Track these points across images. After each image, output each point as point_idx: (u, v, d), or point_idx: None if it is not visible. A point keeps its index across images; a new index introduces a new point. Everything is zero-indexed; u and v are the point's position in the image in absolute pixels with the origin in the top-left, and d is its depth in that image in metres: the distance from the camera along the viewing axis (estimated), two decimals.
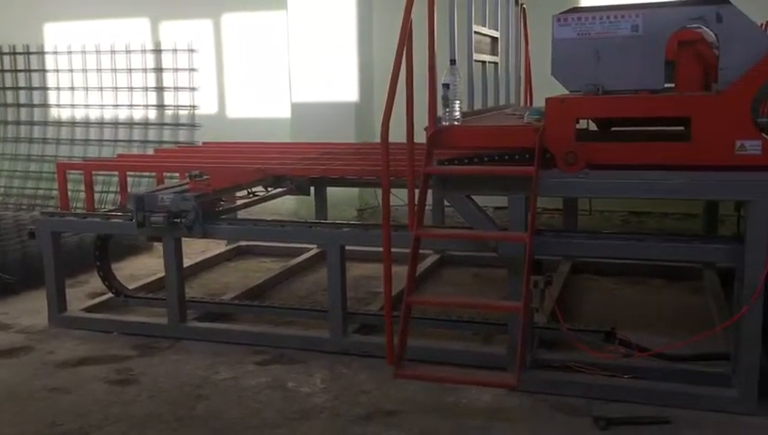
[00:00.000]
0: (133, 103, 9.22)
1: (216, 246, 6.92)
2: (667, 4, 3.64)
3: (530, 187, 3.64)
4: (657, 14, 3.56)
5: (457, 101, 3.99)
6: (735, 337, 3.61)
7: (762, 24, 3.99)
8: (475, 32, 4.59)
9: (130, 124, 9.27)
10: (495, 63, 5.23)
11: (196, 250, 6.68)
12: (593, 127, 4.48)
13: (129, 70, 9.20)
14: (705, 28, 3.53)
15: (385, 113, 3.70)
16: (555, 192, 3.79)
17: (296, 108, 8.59)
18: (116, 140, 9.19)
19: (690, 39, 3.62)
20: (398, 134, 3.85)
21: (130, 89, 9.24)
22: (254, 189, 5.43)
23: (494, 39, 5.18)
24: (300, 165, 5.27)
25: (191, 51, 8.74)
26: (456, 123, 3.96)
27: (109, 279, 5.33)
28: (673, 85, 3.72)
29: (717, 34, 3.45)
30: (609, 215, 8.18)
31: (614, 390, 3.74)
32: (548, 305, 4.17)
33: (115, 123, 9.33)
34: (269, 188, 5.49)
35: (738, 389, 3.54)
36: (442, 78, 3.95)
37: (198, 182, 4.73)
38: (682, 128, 3.70)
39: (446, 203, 5.33)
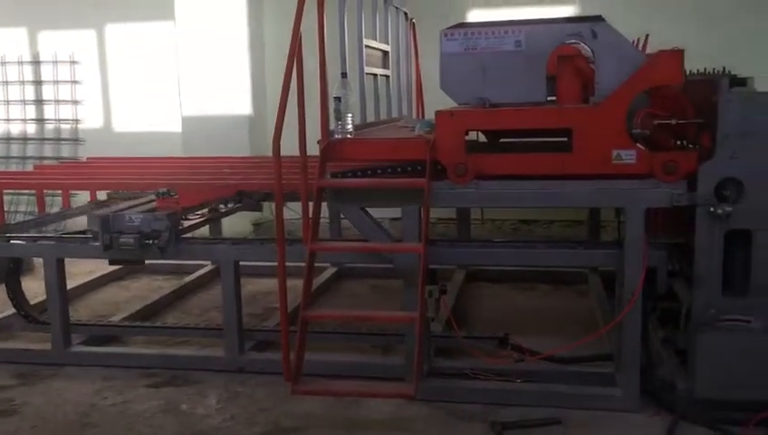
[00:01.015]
0: (10, 118, 8.71)
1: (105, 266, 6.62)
2: (547, 21, 3.81)
3: (422, 198, 3.69)
4: (538, 30, 3.71)
5: (349, 114, 4.00)
6: (618, 338, 3.79)
7: (635, 41, 4.23)
8: (366, 45, 4.63)
9: (7, 139, 8.74)
10: (387, 76, 5.30)
11: (83, 270, 6.37)
12: (484, 138, 4.62)
13: (5, 82, 8.68)
14: (583, 44, 3.70)
15: (276, 127, 3.67)
16: (447, 203, 3.87)
17: (187, 121, 8.37)
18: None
19: (569, 54, 3.78)
20: (292, 147, 3.82)
21: (7, 102, 8.72)
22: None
23: (385, 52, 5.25)
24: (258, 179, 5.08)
25: (73, 62, 8.36)
26: (348, 136, 3.97)
27: (21, 304, 4.93)
28: (555, 98, 3.88)
29: (593, 50, 3.63)
30: (500, 223, 8.44)
31: (509, 394, 3.84)
32: (443, 314, 4.25)
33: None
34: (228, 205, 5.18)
35: (622, 388, 3.72)
36: (334, 91, 3.96)
37: (167, 200, 4.51)
38: (566, 139, 3.87)
39: (342, 215, 5.32)
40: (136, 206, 4.63)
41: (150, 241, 4.22)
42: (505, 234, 8.12)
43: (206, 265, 6.48)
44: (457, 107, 3.91)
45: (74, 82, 8.36)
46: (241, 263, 4.36)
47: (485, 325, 4.92)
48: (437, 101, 4.05)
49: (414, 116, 6.13)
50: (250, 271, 5.57)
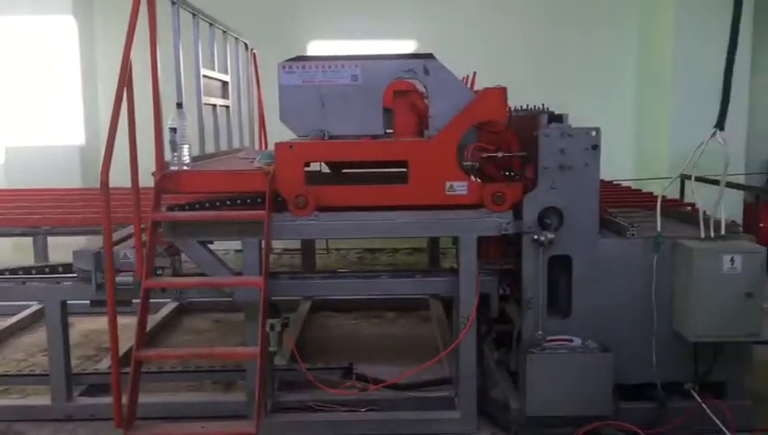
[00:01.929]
0: None
1: None
2: (382, 57, 3.92)
3: (262, 231, 3.65)
4: (373, 65, 3.82)
5: (186, 145, 3.90)
6: (455, 362, 3.92)
7: (464, 78, 4.46)
8: (204, 75, 4.54)
9: None
10: (227, 107, 5.22)
11: None
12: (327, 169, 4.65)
13: None
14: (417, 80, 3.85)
15: (105, 156, 3.48)
16: (288, 235, 3.84)
17: (11, 152, 7.79)
18: None
19: (404, 89, 3.92)
20: (127, 179, 3.65)
21: None
22: None
23: (225, 83, 5.18)
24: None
25: None
26: (185, 168, 3.86)
27: None
28: (392, 131, 4.00)
29: (426, 86, 3.78)
30: (346, 252, 8.51)
31: (352, 424, 3.86)
32: (287, 347, 4.20)
33: None
34: None
35: (460, 410, 3.84)
36: (169, 121, 3.84)
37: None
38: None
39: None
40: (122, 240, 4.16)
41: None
42: (351, 263, 8.20)
43: (33, 305, 5.99)
44: (298, 139, 3.92)
45: None
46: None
47: (331, 356, 4.92)
48: (283, 132, 4.04)
49: (257, 147, 6.08)
50: (84, 309, 5.22)
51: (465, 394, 3.81)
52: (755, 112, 7.93)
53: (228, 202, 3.91)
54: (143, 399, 3.54)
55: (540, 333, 3.70)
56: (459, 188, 3.72)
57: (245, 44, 5.86)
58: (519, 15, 8.34)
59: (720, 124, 3.72)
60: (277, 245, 8.05)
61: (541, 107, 4.26)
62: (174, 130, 3.84)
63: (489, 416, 3.91)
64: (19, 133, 7.80)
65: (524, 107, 4.58)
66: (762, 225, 6.79)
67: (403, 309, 6.16)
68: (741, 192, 7.26)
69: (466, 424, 3.80)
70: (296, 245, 7.26)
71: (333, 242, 7.89)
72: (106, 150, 3.45)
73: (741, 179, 7.18)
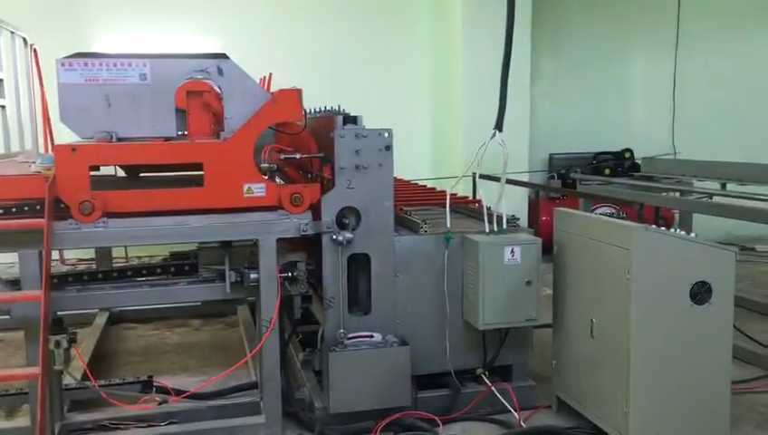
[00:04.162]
0: None
1: None
2: (173, 56, 3.78)
3: (43, 240, 3.36)
4: (164, 64, 3.66)
5: None
6: (260, 366, 3.88)
7: (261, 80, 4.42)
8: None
9: None
10: (2, 107, 4.77)
11: None
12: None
13: None
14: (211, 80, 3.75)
15: None
16: (73, 244, 3.59)
17: None
18: None
19: (198, 89, 3.81)
20: None
21: None
22: None
23: None
24: None
25: None
26: None
27: None
28: (186, 133, 3.86)
29: (220, 86, 3.70)
30: (149, 259, 8.11)
31: None
32: (77, 365, 3.93)
33: None
34: None
35: (265, 414, 3.80)
36: None
37: None
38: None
39: None
40: None
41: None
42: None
43: None
44: (81, 141, 3.67)
45: None
46: None
47: (132, 369, 4.68)
48: (72, 134, 3.75)
49: (42, 151, 5.61)
50: None
51: (269, 397, 3.77)
52: (536, 115, 8.65)
53: (1, 211, 3.56)
54: None
55: (342, 331, 3.76)
56: (257, 190, 3.68)
57: (24, 39, 5.38)
58: (321, 15, 8.43)
59: (498, 126, 4.00)
60: (71, 255, 7.49)
61: (337, 108, 4.34)
62: None
63: (295, 417, 3.91)
64: None
65: (321, 109, 4.64)
66: (543, 218, 7.46)
67: (209, 315, 6.00)
68: (525, 189, 7.91)
69: (271, 428, 3.77)
70: (91, 254, 6.81)
71: (133, 250, 7.50)
72: None
73: (525, 177, 7.82)
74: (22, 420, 3.86)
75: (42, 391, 3.15)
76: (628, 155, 9.01)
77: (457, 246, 3.90)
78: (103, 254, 5.66)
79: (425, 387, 3.96)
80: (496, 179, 4.09)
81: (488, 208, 3.96)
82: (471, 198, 5.44)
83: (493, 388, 3.91)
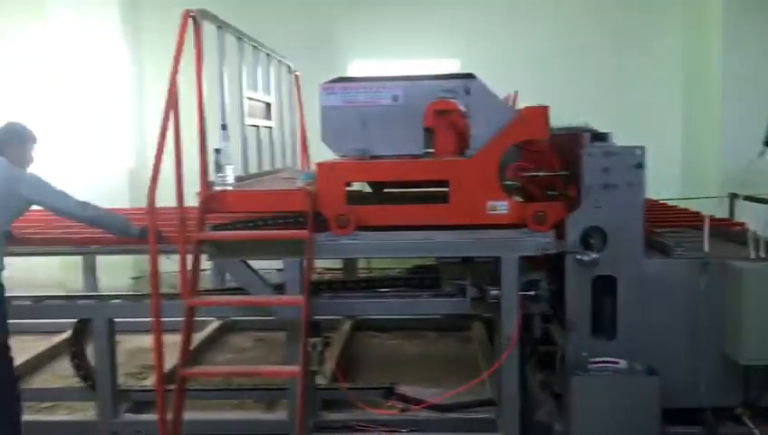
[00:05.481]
0: None
1: None
2: (423, 77, 3.94)
3: (304, 250, 3.67)
4: (414, 85, 3.84)
5: (230, 166, 3.96)
6: (498, 384, 3.87)
7: (506, 97, 4.43)
8: (248, 97, 4.62)
9: None
10: (270, 128, 5.29)
11: None
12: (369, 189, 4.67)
13: None
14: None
15: (152, 177, 3.56)
16: (330, 254, 3.86)
17: (63, 173, 8.02)
18: None
19: (445, 109, 3.92)
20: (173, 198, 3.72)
21: None
22: None
23: (268, 104, 5.26)
24: None
25: None
26: (228, 188, 3.92)
27: (85, 369, 4.40)
28: (433, 151, 4.00)
29: (466, 105, 3.78)
30: (386, 272, 8.48)
31: None
32: (328, 366, 4.22)
33: None
34: None
35: (502, 432, 3.78)
36: (214, 142, 3.91)
37: None
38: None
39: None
40: None
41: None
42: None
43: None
44: (339, 159, 3.95)
45: None
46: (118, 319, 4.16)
47: (372, 375, 4.92)
48: (322, 152, 4.07)
49: (299, 167, 6.14)
50: (128, 327, 5.31)
51: (508, 416, 3.75)
52: None
53: (270, 222, 3.94)
54: (187, 416, 3.58)
55: (584, 354, 3.63)
56: (500, 207, 3.69)
57: (288, 67, 5.94)
58: (557, 30, 8.29)
59: None
60: (319, 264, 8.07)
61: (583, 125, 4.22)
62: (218, 150, 3.90)
63: None
64: (71, 155, 8.02)
65: (566, 125, 4.54)
66: None
67: (443, 329, 6.12)
68: None
69: None
70: (338, 264, 7.28)
71: (375, 261, 7.90)
72: (153, 171, 3.52)
73: None
74: (279, 414, 4.21)
75: (301, 389, 3.43)
76: None
77: (715, 272, 3.58)
78: (350, 264, 6.03)
79: (674, 422, 3.68)
80: (758, 201, 3.71)
81: (754, 233, 3.60)
82: (730, 220, 4.98)
83: (756, 431, 3.52)
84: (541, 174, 3.78)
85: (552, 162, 3.88)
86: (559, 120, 4.52)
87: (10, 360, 3.78)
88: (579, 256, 3.59)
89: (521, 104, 4.25)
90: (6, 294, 3.79)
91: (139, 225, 4.08)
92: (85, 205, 3.96)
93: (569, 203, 3.77)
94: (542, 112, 3.70)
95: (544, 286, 3.76)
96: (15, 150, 3.90)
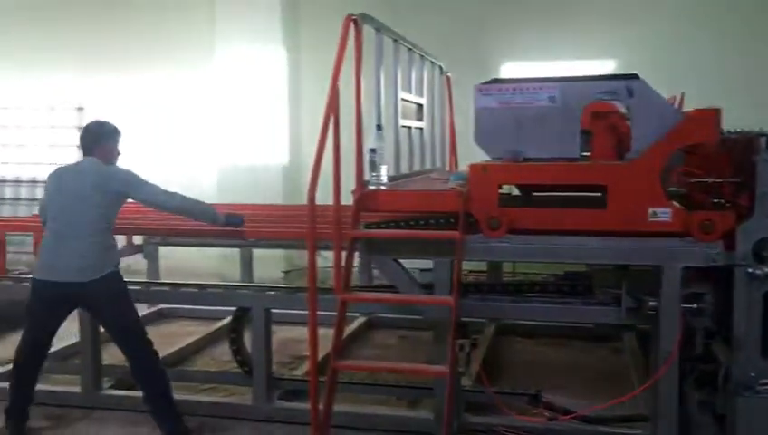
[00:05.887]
0: (53, 163, 9.00)
1: None
2: (581, 78, 3.84)
3: (454, 251, 3.68)
4: (572, 86, 3.73)
5: (384, 166, 4.04)
6: (654, 400, 3.69)
7: (672, 98, 4.22)
8: (402, 98, 4.69)
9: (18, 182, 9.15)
10: (421, 129, 5.35)
11: None
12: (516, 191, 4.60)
13: (52, 127, 9.01)
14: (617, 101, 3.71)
15: (312, 176, 3.69)
16: (479, 256, 3.85)
17: (224, 170, 8.55)
18: (33, 199, 8.91)
19: (604, 111, 3.78)
20: (327, 197, 3.85)
21: (52, 147, 9.03)
22: None
23: (420, 105, 5.31)
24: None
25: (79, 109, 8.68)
26: (382, 187, 4.00)
27: (243, 355, 4.67)
28: (590, 154, 3.87)
29: (629, 107, 3.63)
30: (533, 277, 8.32)
31: None
32: (474, 368, 4.19)
33: (33, 182, 9.06)
34: None
35: None
36: (369, 143, 4.00)
37: None
38: (600, 194, 3.84)
39: (373, 264, 5.32)
40: None
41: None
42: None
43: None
44: (491, 161, 3.92)
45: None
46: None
47: (516, 381, 4.83)
48: (469, 153, 4.06)
49: (447, 168, 6.16)
50: (277, 318, 5.56)
51: (663, 433, 3.56)
52: None
53: (422, 222, 3.98)
54: (335, 407, 3.69)
55: (753, 374, 3.38)
56: (662, 214, 3.51)
57: (441, 68, 5.97)
58: (720, 27, 7.77)
59: None
60: (463, 266, 8.04)
61: (759, 130, 3.92)
62: (374, 150, 3.99)
63: None
64: (230, 153, 8.52)
65: (737, 129, 4.24)
66: None
67: (592, 338, 5.91)
68: None
69: None
70: (481, 266, 7.22)
71: (519, 266, 7.77)
72: (314, 170, 3.65)
73: None
74: (423, 412, 4.24)
75: (449, 389, 3.44)
76: None
77: None
78: (495, 267, 5.97)
79: None
80: None
81: None
82: None
83: None
84: (709, 180, 3.56)
85: (722, 168, 3.64)
86: (729, 124, 4.26)
87: (150, 342, 4.06)
88: (750, 270, 3.34)
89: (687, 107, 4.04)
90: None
91: (224, 213, 4.30)
92: (173, 194, 4.10)
93: (739, 212, 3.52)
94: (712, 115, 3.48)
95: (708, 300, 3.55)
96: (105, 149, 4.08)
